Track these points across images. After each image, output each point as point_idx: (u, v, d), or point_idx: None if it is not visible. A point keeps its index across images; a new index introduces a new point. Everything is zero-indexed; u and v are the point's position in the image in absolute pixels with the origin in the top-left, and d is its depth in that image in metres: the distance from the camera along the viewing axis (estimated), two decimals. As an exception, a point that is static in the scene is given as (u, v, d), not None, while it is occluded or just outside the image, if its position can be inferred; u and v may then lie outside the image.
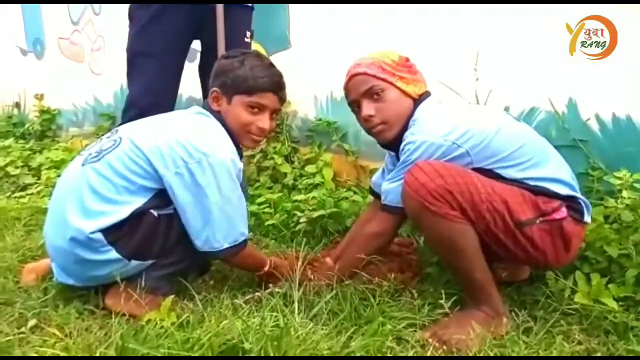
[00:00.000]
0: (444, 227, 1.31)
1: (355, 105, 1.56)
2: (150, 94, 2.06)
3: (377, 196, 1.75)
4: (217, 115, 1.54)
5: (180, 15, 2.05)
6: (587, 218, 1.44)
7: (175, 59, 2.12)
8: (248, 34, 2.19)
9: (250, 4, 2.22)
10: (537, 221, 1.34)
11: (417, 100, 1.52)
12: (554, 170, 1.41)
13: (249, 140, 1.56)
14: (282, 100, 1.59)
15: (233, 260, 1.53)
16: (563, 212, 1.36)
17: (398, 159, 1.52)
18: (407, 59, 1.55)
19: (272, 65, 1.57)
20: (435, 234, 1.35)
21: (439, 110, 1.49)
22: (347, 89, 1.57)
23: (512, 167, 1.38)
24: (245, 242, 1.49)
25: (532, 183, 1.37)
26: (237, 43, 2.08)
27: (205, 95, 2.18)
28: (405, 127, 1.49)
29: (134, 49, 2.11)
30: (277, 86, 1.54)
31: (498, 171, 1.38)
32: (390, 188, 1.48)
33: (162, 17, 2.04)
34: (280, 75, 1.57)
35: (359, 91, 1.51)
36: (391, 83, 1.49)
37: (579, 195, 1.43)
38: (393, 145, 1.54)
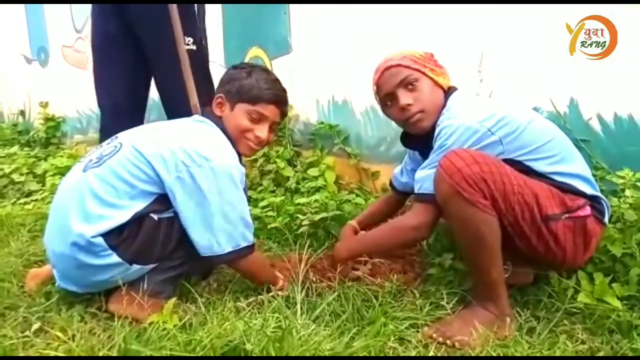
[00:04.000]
0: (472, 215, 1.30)
1: (388, 99, 1.56)
2: (105, 94, 2.10)
3: (395, 191, 1.86)
4: (218, 122, 1.56)
5: (110, 14, 2.03)
6: (606, 219, 1.45)
7: (117, 59, 2.08)
8: (189, 39, 2.01)
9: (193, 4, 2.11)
10: (563, 217, 1.35)
11: (447, 93, 1.54)
12: (580, 167, 1.44)
13: (245, 147, 1.58)
14: (283, 114, 1.64)
15: (239, 267, 1.52)
16: (587, 210, 1.38)
17: (422, 155, 1.55)
18: (432, 55, 1.59)
19: (277, 80, 1.63)
20: (462, 221, 1.33)
21: (472, 99, 1.53)
22: (379, 83, 1.57)
23: (542, 159, 1.39)
24: (249, 247, 1.48)
25: (559, 179, 1.39)
26: (172, 49, 1.96)
27: (163, 100, 2.16)
28: (437, 119, 1.50)
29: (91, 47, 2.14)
30: (279, 99, 1.59)
31: (528, 163, 1.39)
32: (426, 175, 1.45)
33: (98, 17, 2.05)
34: (284, 90, 1.62)
35: (394, 83, 1.52)
36: (424, 73, 1.52)
37: (601, 195, 1.44)
38: (424, 138, 1.54)
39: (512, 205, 1.31)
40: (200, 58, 2.08)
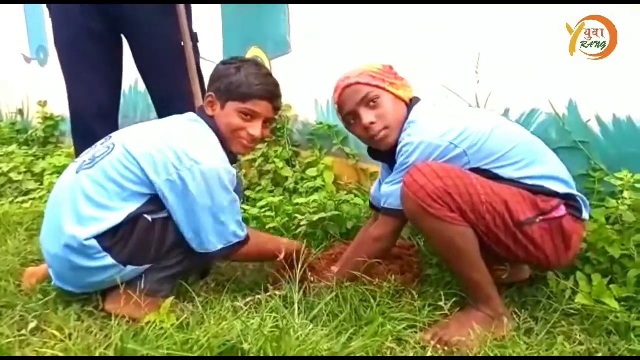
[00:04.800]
0: (443, 230, 1.32)
1: (351, 117, 1.55)
2: (86, 96, 2.02)
3: (377, 210, 1.75)
4: (211, 121, 1.54)
5: (96, 13, 1.96)
6: (586, 215, 1.44)
7: (102, 60, 2.02)
8: (186, 37, 2.00)
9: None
10: (537, 220, 1.34)
11: (410, 105, 1.53)
12: (551, 168, 1.42)
13: (240, 146, 1.55)
14: (277, 109, 1.59)
15: (237, 258, 1.53)
16: (562, 210, 1.37)
17: (391, 168, 1.53)
18: (391, 67, 1.56)
19: (269, 74, 1.57)
20: (435, 236, 1.36)
21: (434, 112, 1.51)
22: (340, 102, 1.56)
23: (509, 166, 1.38)
24: (240, 243, 1.48)
25: (529, 182, 1.38)
26: (170, 48, 1.98)
27: (154, 98, 2.15)
28: (401, 132, 1.49)
29: (55, 46, 2.07)
30: (271, 95, 1.54)
31: (496, 171, 1.38)
32: (390, 191, 1.47)
33: (75, 15, 1.98)
34: (276, 84, 1.57)
35: (355, 101, 1.50)
36: (383, 89, 1.50)
37: (576, 192, 1.44)
38: (389, 152, 1.54)
39: (482, 215, 1.31)
40: (195, 55, 2.07)
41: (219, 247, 1.45)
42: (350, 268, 1.52)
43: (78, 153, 1.94)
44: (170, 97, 2.05)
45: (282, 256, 1.57)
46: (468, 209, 1.31)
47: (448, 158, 1.37)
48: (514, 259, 1.42)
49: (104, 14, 1.98)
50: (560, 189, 1.40)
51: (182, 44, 1.95)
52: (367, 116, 1.49)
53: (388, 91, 1.50)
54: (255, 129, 1.53)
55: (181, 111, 1.63)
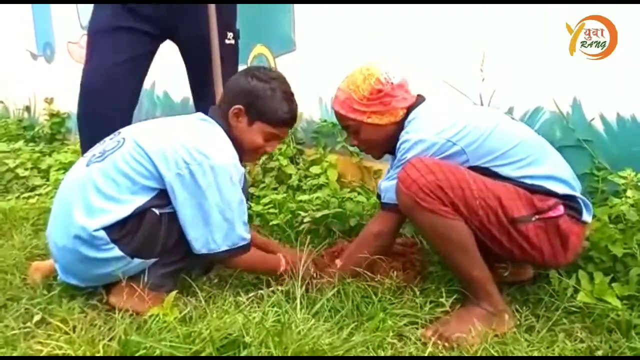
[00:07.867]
0: (436, 223, 1.33)
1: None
2: (100, 74, 1.95)
3: None
4: (222, 122, 1.55)
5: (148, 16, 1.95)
6: (587, 217, 1.44)
7: (128, 41, 1.96)
8: (230, 35, 2.05)
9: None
10: (533, 219, 1.35)
11: (412, 106, 1.52)
12: (552, 168, 1.42)
13: (252, 158, 1.70)
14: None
15: (237, 265, 1.54)
16: (560, 210, 1.37)
17: None
18: (379, 90, 1.49)
19: (293, 94, 1.61)
20: (429, 230, 1.37)
21: (436, 109, 1.51)
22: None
23: (509, 165, 1.39)
24: (245, 246, 1.49)
25: (529, 182, 1.38)
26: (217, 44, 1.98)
27: (195, 98, 2.15)
28: (398, 134, 1.51)
29: (89, 26, 2.04)
30: (294, 121, 1.63)
31: (495, 169, 1.39)
32: (389, 186, 1.49)
33: (126, 18, 1.95)
34: (297, 106, 1.63)
35: (340, 124, 1.63)
36: (362, 122, 1.53)
37: (577, 194, 1.43)
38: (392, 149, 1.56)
39: (475, 210, 1.32)
40: (237, 52, 2.12)
41: (224, 248, 1.44)
42: (352, 264, 1.53)
43: (86, 142, 1.91)
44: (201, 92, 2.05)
45: (282, 268, 1.56)
46: (460, 203, 1.32)
47: (446, 155, 1.38)
48: (510, 257, 1.42)
49: (164, 18, 1.98)
50: (560, 189, 1.39)
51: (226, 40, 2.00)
52: (351, 139, 1.63)
53: (368, 124, 1.53)
54: (272, 147, 1.64)
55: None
